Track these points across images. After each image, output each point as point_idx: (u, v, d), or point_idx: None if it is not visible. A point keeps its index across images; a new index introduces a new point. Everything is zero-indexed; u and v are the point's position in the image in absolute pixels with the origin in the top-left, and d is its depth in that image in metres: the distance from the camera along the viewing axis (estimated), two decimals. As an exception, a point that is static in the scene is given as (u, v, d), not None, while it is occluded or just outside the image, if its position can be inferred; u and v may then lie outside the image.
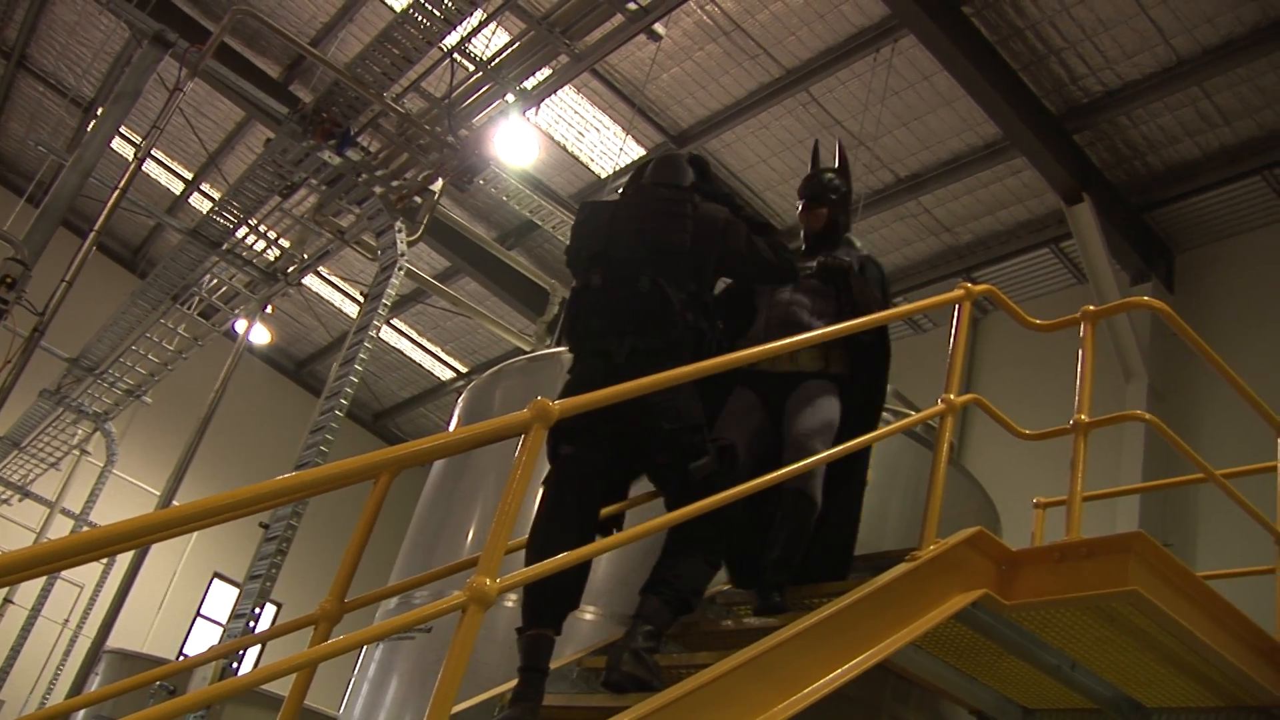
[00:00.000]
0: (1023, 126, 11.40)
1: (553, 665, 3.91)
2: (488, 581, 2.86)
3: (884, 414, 5.25)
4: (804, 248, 5.32)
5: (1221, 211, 12.43)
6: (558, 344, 5.70)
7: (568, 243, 4.62)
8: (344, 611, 3.64)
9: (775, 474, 4.02)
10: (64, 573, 16.05)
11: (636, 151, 14.59)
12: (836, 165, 5.45)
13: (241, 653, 6.30)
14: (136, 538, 2.43)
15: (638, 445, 4.13)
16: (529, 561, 3.81)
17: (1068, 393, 10.66)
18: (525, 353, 14.73)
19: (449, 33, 6.87)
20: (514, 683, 3.89)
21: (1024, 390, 12.24)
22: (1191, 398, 11.80)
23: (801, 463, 4.23)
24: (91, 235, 7.21)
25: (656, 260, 4.22)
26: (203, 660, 3.31)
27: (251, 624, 5.90)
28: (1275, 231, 12.21)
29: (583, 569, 3.91)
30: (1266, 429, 5.87)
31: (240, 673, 6.53)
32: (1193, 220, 12.68)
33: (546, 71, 7.53)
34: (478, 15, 6.99)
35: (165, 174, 19.03)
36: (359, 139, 7.94)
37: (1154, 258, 12.68)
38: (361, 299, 19.70)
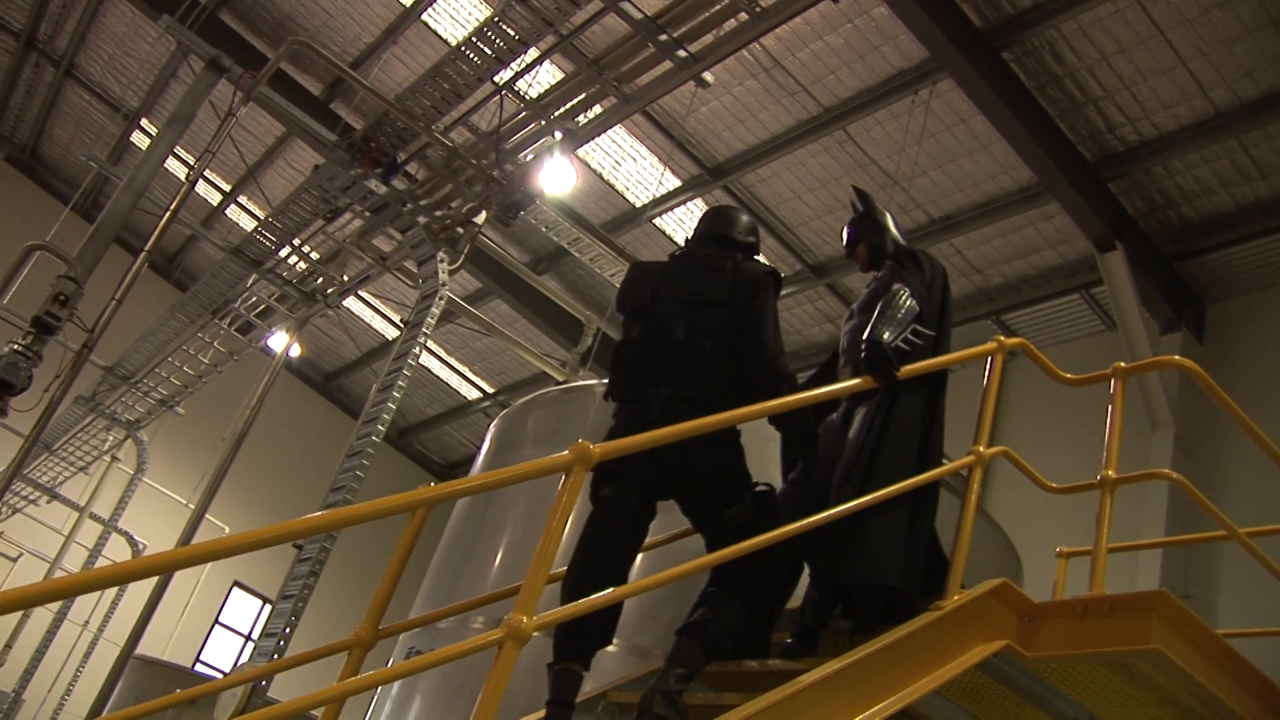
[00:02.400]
0: (1057, 172, 11.44)
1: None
2: (524, 619, 2.93)
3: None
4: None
5: (1254, 264, 12.43)
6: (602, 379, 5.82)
7: (616, 292, 4.75)
8: (378, 638, 3.75)
9: (801, 524, 4.06)
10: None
11: (673, 183, 14.71)
12: (863, 209, 5.57)
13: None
14: (193, 562, 2.52)
15: (676, 489, 4.23)
16: (564, 597, 3.91)
17: (1092, 437, 10.67)
18: (552, 378, 14.91)
19: (500, 70, 7.01)
20: (540, 714, 3.98)
21: (1049, 434, 12.24)
22: (1218, 450, 11.77)
23: (826, 513, 4.23)
24: (142, 256, 7.36)
25: (692, 312, 4.35)
26: (238, 680, 3.39)
27: (282, 643, 5.99)
28: (1308, 286, 12.20)
29: (614, 607, 4.00)
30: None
31: (268, 691, 6.65)
32: (1224, 272, 12.68)
33: (595, 110, 7.68)
34: (530, 53, 7.12)
35: (203, 184, 19.28)
36: (405, 167, 8.09)
37: (1184, 308, 12.68)
38: (392, 315, 19.92)
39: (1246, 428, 5.47)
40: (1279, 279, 12.42)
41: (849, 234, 5.54)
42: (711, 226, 4.77)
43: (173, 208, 7.56)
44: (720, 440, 4.15)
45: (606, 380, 4.67)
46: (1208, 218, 12.27)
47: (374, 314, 20.54)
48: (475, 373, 21.34)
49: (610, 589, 3.79)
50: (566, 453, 3.26)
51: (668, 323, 4.37)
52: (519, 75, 7.61)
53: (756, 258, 4.78)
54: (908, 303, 4.72)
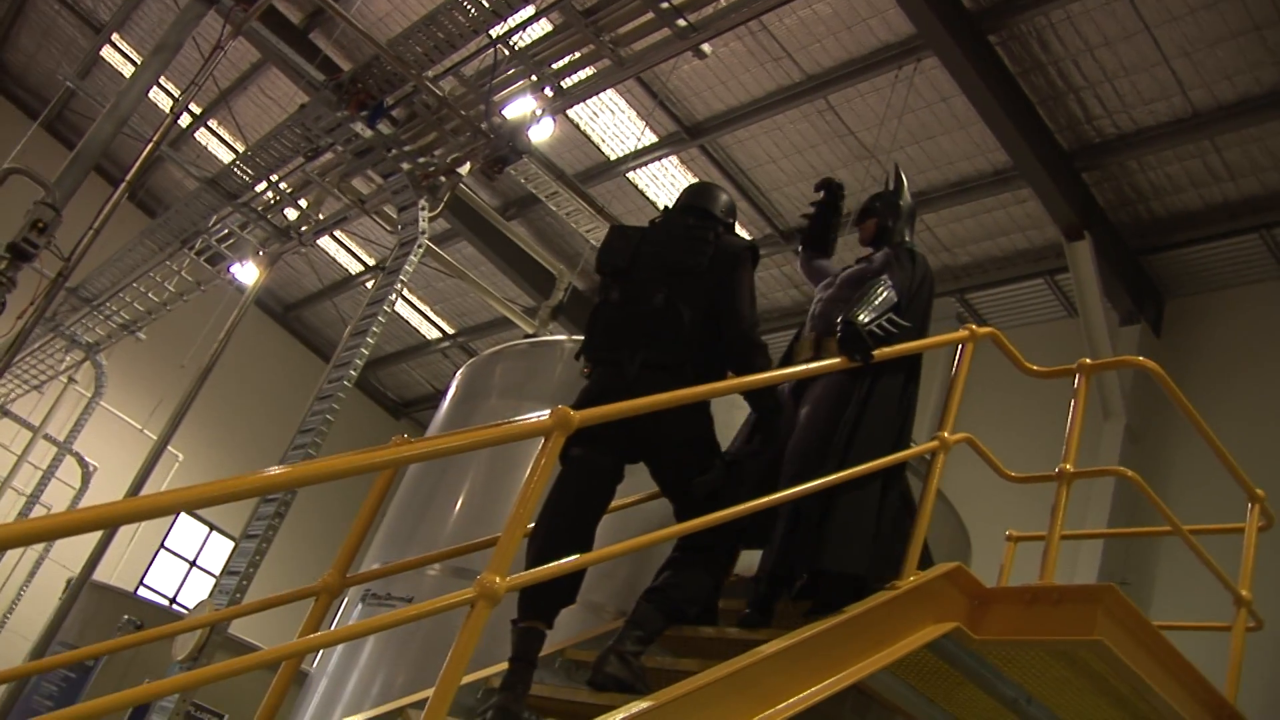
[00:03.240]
0: (1033, 158, 11.53)
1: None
2: (497, 580, 2.98)
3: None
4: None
5: (1216, 263, 12.63)
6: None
7: (597, 254, 4.78)
8: (345, 586, 3.79)
9: (776, 496, 4.15)
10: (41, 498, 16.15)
11: (650, 139, 14.66)
12: (890, 185, 5.69)
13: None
14: (166, 511, 2.54)
15: (646, 453, 4.30)
16: (531, 555, 3.97)
17: (1044, 414, 10.84)
18: (514, 324, 14.89)
19: (496, 23, 6.94)
20: (500, 667, 4.04)
21: (1003, 412, 12.33)
22: (1165, 441, 12.00)
23: (800, 488, 4.32)
24: (122, 186, 7.25)
25: (672, 279, 4.40)
26: (206, 621, 3.42)
27: (245, 583, 6.01)
28: (1266, 289, 12.41)
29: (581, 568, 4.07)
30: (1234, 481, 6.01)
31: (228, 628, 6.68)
32: (1187, 269, 12.88)
33: (588, 71, 7.63)
34: (528, 10, 7.06)
35: (170, 102, 18.94)
36: (391, 112, 8.00)
37: (1145, 301, 12.87)
38: (358, 251, 19.76)
39: (1200, 429, 5.59)
40: (1239, 280, 12.63)
41: (867, 204, 5.62)
42: (694, 200, 4.83)
43: (155, 139, 7.44)
44: (691, 408, 4.21)
45: (580, 338, 4.71)
46: (1175, 215, 12.43)
47: (339, 248, 20.35)
48: (437, 312, 21.23)
49: (577, 549, 3.87)
50: (547, 417, 3.29)
51: (647, 288, 4.42)
52: (515, 30, 7.54)
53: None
54: (885, 293, 4.80)
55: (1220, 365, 12.22)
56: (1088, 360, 5.19)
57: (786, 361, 5.15)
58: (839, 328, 4.68)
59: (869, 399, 4.72)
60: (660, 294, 4.37)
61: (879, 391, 4.75)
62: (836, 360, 4.63)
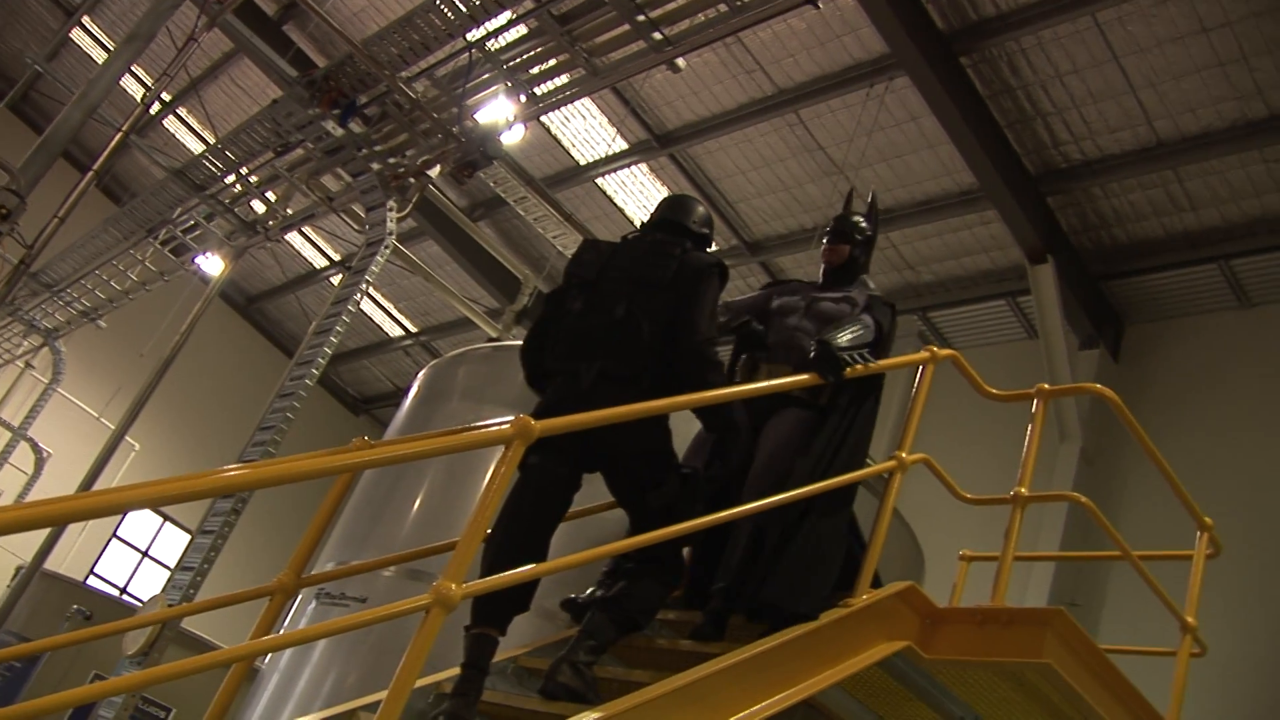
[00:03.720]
0: (999, 181, 11.66)
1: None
2: (453, 587, 2.98)
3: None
4: (820, 281, 5.59)
5: (1175, 292, 12.81)
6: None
7: (564, 273, 4.76)
8: (300, 586, 3.77)
9: (736, 510, 4.18)
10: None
11: (620, 145, 14.68)
12: (867, 210, 5.70)
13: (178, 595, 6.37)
14: (131, 507, 2.53)
15: (603, 464, 4.30)
16: (485, 562, 3.96)
17: (998, 431, 10.90)
18: (476, 325, 14.86)
19: (472, 27, 6.93)
20: (452, 672, 4.04)
21: (959, 428, 12.43)
22: (1119, 464, 12.16)
23: (761, 502, 4.36)
24: (89, 175, 7.18)
25: (635, 292, 4.39)
26: (160, 618, 3.40)
27: (199, 578, 5.96)
28: (1223, 319, 12.61)
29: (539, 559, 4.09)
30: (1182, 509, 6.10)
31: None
32: (1147, 296, 13.06)
33: (562, 79, 7.65)
34: (504, 16, 7.04)
35: (140, 89, 18.77)
36: (363, 111, 7.97)
37: (1105, 326, 13.04)
38: (323, 245, 19.65)
39: (1153, 458, 5.68)
40: (1196, 309, 12.83)
41: (847, 230, 5.60)
42: (668, 213, 4.83)
43: (124, 129, 7.37)
44: (648, 420, 4.21)
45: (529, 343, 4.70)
46: (1137, 242, 12.60)
47: (305, 242, 20.23)
48: (400, 310, 21.14)
49: (532, 557, 3.88)
50: (507, 426, 3.29)
51: (610, 300, 4.41)
52: (491, 36, 7.53)
53: (710, 248, 4.84)
54: (863, 330, 4.92)
55: (1175, 392, 12.40)
56: (1046, 386, 5.26)
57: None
58: (813, 347, 4.72)
59: (840, 440, 4.79)
60: (621, 305, 4.37)
61: (847, 430, 4.83)
62: (804, 377, 4.66)
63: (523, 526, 4.11)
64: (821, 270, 5.64)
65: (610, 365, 4.26)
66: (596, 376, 4.24)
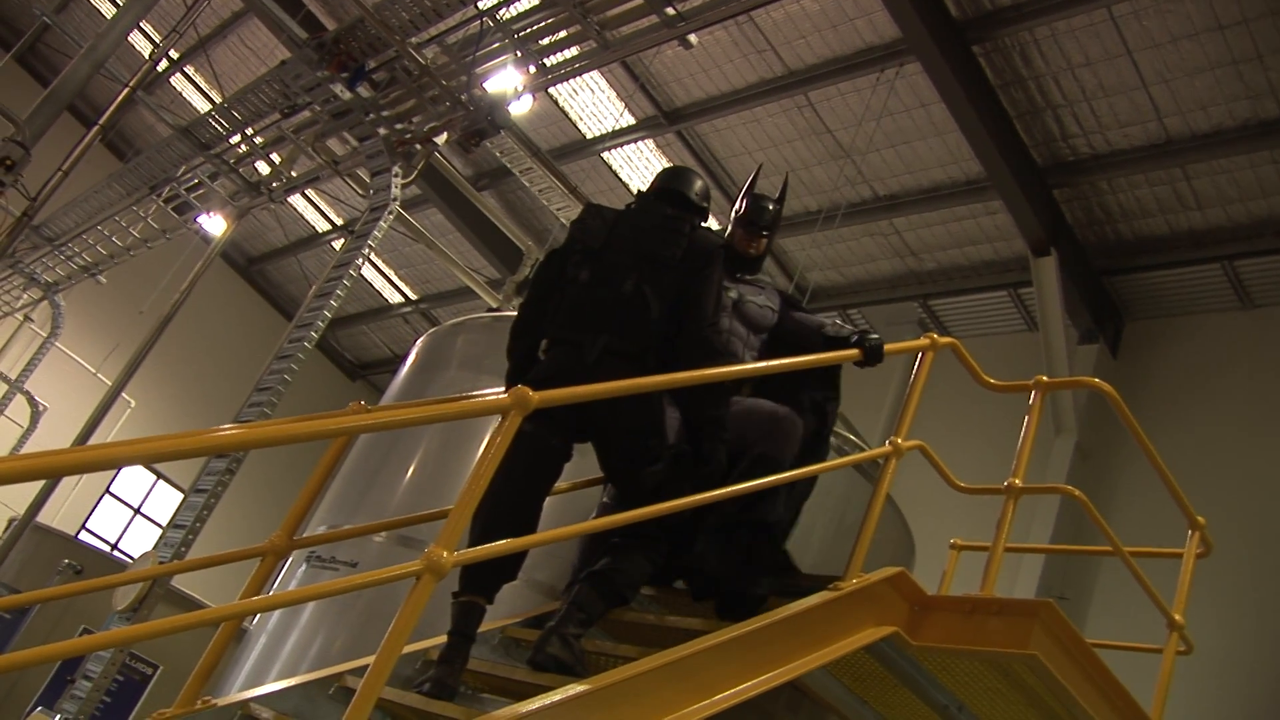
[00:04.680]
0: (1006, 171, 11.63)
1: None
2: (445, 554, 2.98)
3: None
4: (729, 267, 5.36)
5: (1177, 290, 12.80)
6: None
7: (567, 236, 4.73)
8: (292, 549, 3.77)
9: (730, 489, 4.17)
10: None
11: (628, 120, 14.63)
12: (778, 196, 5.56)
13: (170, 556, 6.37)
14: (126, 462, 2.52)
15: (598, 438, 4.29)
16: (475, 530, 3.95)
17: (992, 421, 10.90)
18: (478, 295, 14.82)
19: (486, -4, 6.90)
20: (439, 640, 4.04)
21: (954, 416, 12.42)
22: (1113, 460, 12.17)
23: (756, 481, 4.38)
24: (95, 129, 7.14)
25: (644, 268, 4.37)
26: (150, 575, 3.40)
27: (191, 537, 5.96)
28: (1224, 319, 12.60)
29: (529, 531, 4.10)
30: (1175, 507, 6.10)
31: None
32: (1148, 293, 13.04)
33: (572, 50, 7.61)
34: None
35: (148, 45, 18.66)
36: (372, 75, 7.91)
37: (1105, 321, 13.02)
38: (326, 209, 19.59)
39: (1149, 455, 5.67)
40: (1197, 308, 12.82)
41: (770, 221, 5.41)
42: (671, 184, 4.79)
43: (131, 85, 7.32)
44: (648, 398, 4.21)
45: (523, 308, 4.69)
46: (1141, 239, 12.58)
47: (308, 205, 20.17)
48: (401, 277, 21.11)
49: (522, 526, 3.88)
50: (505, 395, 3.29)
51: (617, 273, 4.39)
52: (504, 4, 7.48)
53: (708, 224, 4.82)
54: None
55: (1173, 390, 12.40)
56: (1045, 378, 5.24)
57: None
58: (873, 338, 4.95)
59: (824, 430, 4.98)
60: (630, 280, 4.35)
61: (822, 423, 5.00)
62: (849, 353, 4.89)
63: (513, 494, 4.09)
64: (733, 257, 5.37)
65: (616, 341, 4.24)
66: (602, 351, 4.22)
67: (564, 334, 4.37)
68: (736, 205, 5.49)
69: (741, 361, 5.04)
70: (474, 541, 3.84)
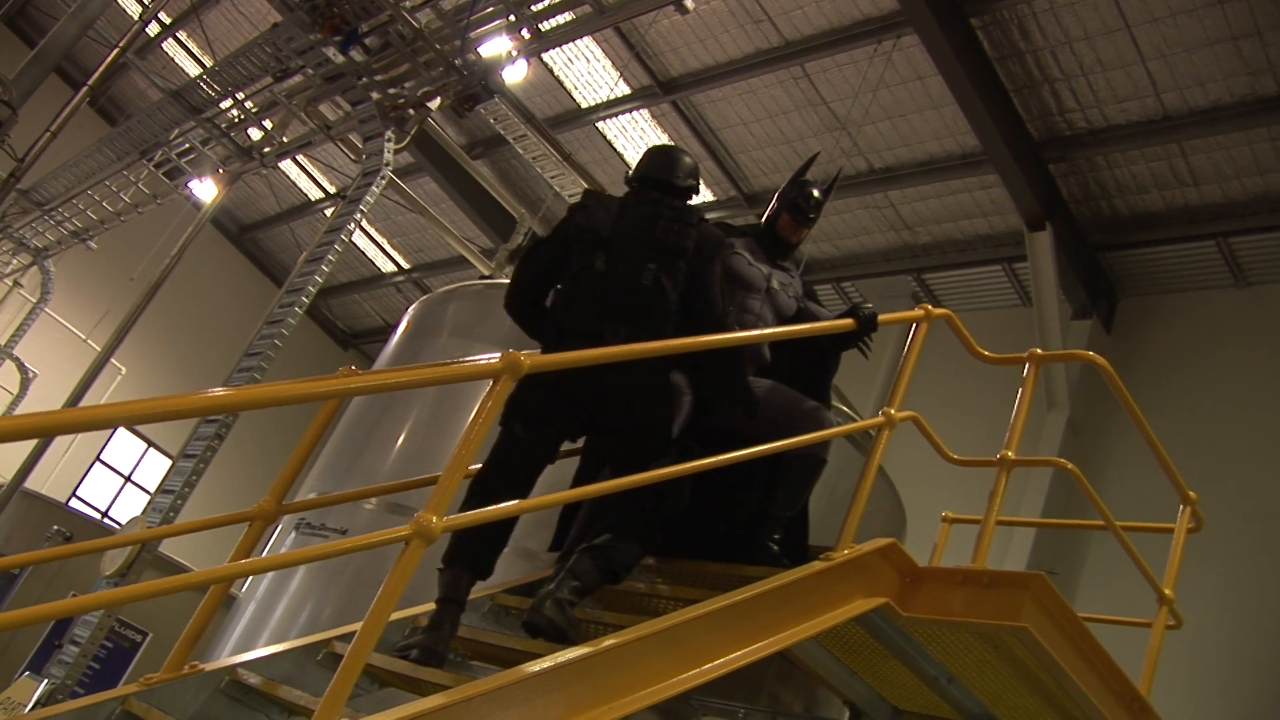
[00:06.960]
0: (1002, 145, 11.58)
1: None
2: (434, 520, 2.95)
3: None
4: (762, 246, 5.37)
5: (1171, 266, 12.78)
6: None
7: (569, 221, 4.64)
8: (281, 514, 3.75)
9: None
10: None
11: (623, 90, 14.54)
12: (825, 186, 5.58)
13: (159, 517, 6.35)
14: (113, 423, 2.48)
15: (605, 435, 4.27)
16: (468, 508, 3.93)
17: (984, 394, 10.90)
18: (471, 263, 14.78)
19: (480, -41, 6.82)
20: (428, 607, 4.03)
21: (946, 390, 12.43)
22: (1105, 435, 12.19)
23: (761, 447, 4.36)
24: (83, 90, 7.06)
25: (660, 258, 4.35)
26: (138, 539, 3.37)
27: (180, 502, 5.93)
28: (1218, 296, 12.59)
29: (512, 521, 4.10)
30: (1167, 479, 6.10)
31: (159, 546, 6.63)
32: (1143, 269, 13.03)
33: (567, 16, 7.54)
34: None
35: (139, 10, 18.49)
36: (365, 39, 7.83)
37: (1099, 297, 13.01)
38: (319, 177, 19.48)
39: (1142, 430, 5.66)
40: (1191, 285, 12.80)
41: (815, 212, 5.43)
42: (657, 171, 4.69)
43: (120, 45, 7.24)
44: (662, 396, 4.23)
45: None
46: (1137, 214, 12.56)
47: (300, 172, 20.06)
48: (393, 246, 21.05)
49: (515, 503, 3.85)
50: (496, 360, 3.25)
51: (632, 263, 4.35)
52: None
53: (695, 199, 4.81)
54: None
55: (1166, 366, 12.41)
56: (1039, 351, 5.22)
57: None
58: (864, 310, 5.03)
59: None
60: (648, 272, 4.32)
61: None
62: (844, 322, 4.94)
63: (508, 485, 4.06)
64: (768, 238, 5.41)
65: (637, 332, 4.22)
66: (623, 342, 4.18)
67: (581, 324, 4.31)
68: (785, 189, 5.45)
69: (762, 348, 5.05)
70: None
